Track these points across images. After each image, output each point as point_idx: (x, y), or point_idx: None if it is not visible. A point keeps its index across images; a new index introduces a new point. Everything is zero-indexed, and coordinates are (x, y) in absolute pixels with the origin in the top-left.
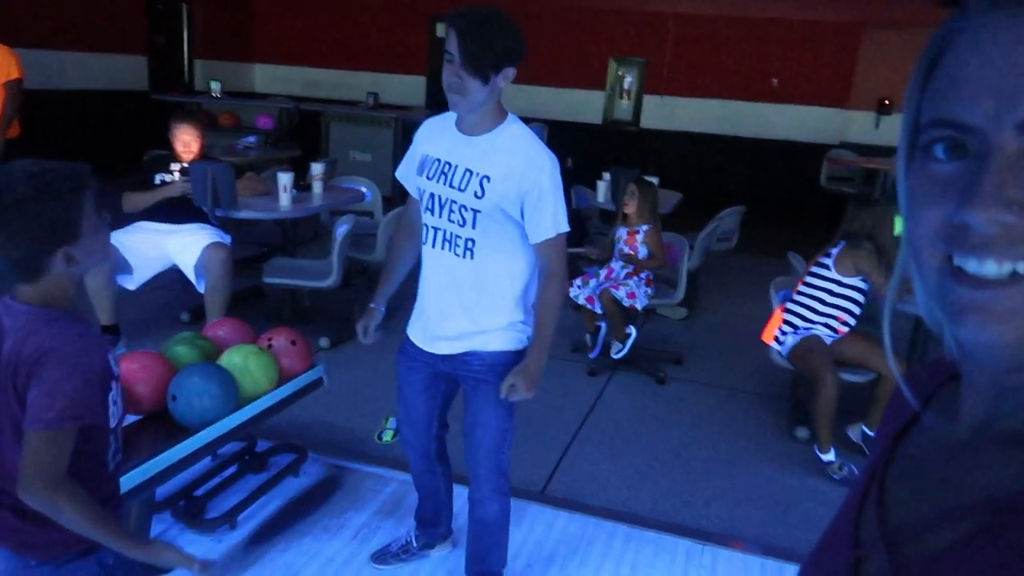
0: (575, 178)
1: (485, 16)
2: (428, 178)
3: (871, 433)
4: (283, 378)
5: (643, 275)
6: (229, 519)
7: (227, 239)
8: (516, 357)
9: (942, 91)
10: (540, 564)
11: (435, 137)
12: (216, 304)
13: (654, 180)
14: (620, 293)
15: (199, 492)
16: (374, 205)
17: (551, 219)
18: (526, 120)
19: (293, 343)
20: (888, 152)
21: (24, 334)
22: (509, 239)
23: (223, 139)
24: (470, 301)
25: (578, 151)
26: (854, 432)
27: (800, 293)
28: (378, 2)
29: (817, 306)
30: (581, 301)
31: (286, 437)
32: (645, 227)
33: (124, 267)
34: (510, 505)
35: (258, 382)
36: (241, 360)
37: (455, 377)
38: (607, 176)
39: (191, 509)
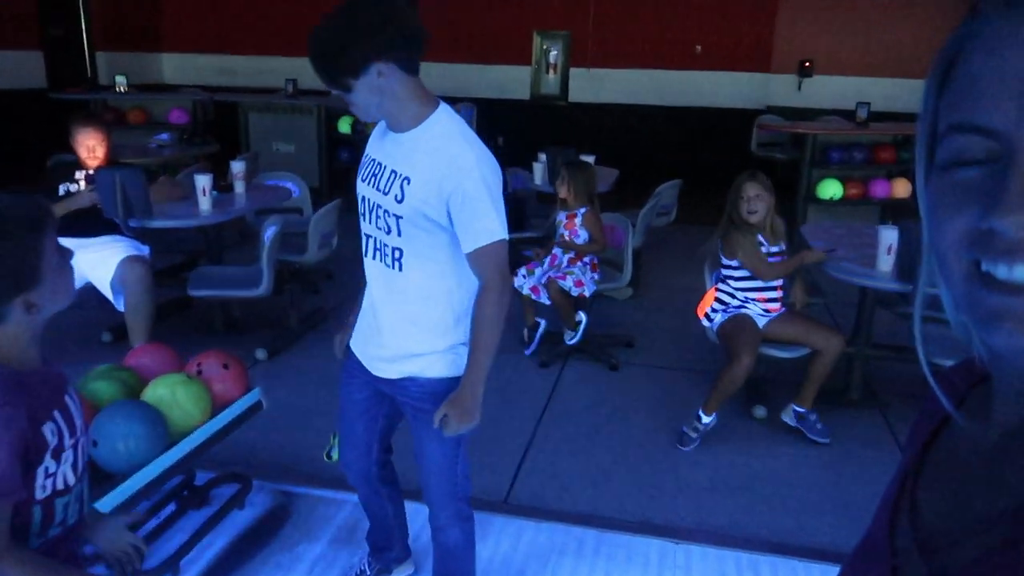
0: (509, 159)
1: (327, 26)
2: (362, 180)
3: (802, 410)
4: (217, 405)
5: (587, 259)
6: (171, 566)
7: (144, 251)
8: (458, 384)
9: (960, 96)
10: None
11: (378, 136)
12: (138, 323)
13: (590, 159)
14: (567, 283)
15: None
16: (302, 201)
17: (482, 225)
18: (453, 101)
19: (225, 366)
20: (811, 115)
21: None
22: (440, 249)
23: (134, 138)
24: (405, 318)
25: (509, 129)
26: (787, 416)
27: (724, 274)
28: None
29: (732, 288)
30: (526, 291)
31: (227, 465)
32: (582, 210)
33: None
34: (474, 528)
35: (189, 414)
36: (168, 392)
37: (393, 399)
38: (543, 157)
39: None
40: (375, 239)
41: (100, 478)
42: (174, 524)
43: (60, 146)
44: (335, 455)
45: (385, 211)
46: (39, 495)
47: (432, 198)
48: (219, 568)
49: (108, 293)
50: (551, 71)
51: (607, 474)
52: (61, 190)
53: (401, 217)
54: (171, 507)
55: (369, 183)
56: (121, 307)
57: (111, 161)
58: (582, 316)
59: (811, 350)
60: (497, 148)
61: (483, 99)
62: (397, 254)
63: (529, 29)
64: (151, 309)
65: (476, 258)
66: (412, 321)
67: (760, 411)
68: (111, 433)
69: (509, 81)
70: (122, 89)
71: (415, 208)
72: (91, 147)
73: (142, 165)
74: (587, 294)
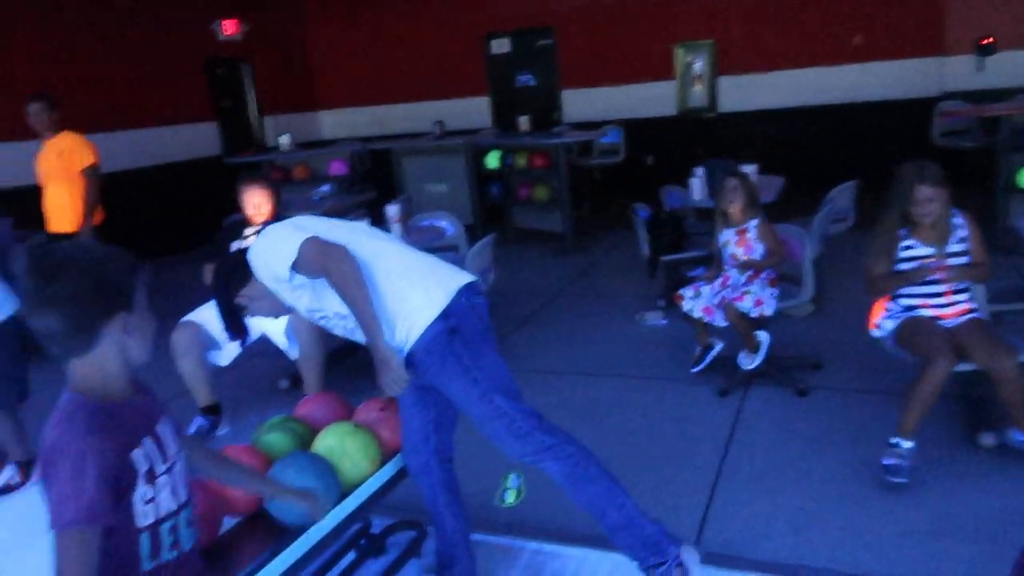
0: (660, 177)
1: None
2: None
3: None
4: (386, 452)
5: (764, 275)
6: None
7: None
8: (434, 333)
9: None
10: None
11: None
12: (311, 370)
13: (751, 169)
14: (746, 304)
15: None
16: (457, 238)
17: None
18: (599, 125)
19: (382, 410)
20: (999, 96)
21: (50, 423)
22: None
23: (299, 192)
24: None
25: (657, 147)
26: (991, 437)
27: None
28: (430, 30)
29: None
30: (697, 314)
31: (400, 509)
32: (754, 222)
33: (212, 343)
34: (570, 451)
35: (358, 465)
36: (337, 442)
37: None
38: (699, 171)
39: None
40: None
41: (277, 532)
42: (353, 574)
43: (236, 208)
44: (508, 499)
45: None
46: (142, 523)
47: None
48: None
49: (282, 343)
50: (697, 83)
51: (809, 516)
52: (232, 247)
53: None
54: (351, 556)
55: None
56: (295, 355)
57: (277, 216)
58: (763, 336)
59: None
60: (647, 167)
61: (629, 120)
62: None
63: (670, 43)
64: (322, 356)
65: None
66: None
67: (988, 439)
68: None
69: (654, 98)
70: (286, 148)
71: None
72: (257, 204)
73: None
74: (768, 313)
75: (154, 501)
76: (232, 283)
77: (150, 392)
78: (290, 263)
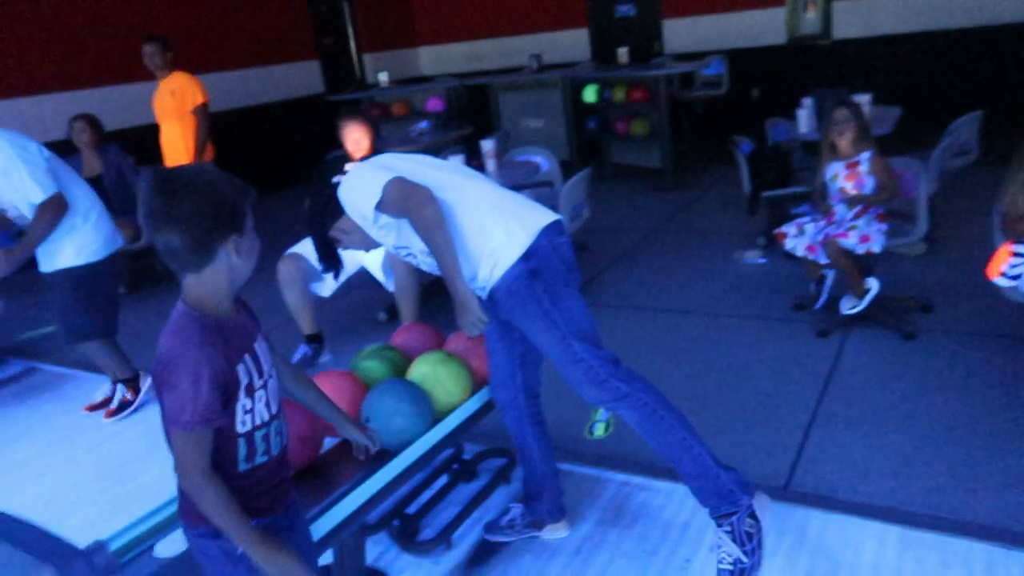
0: (766, 110)
1: None
2: None
3: None
4: (478, 381)
5: (872, 211)
6: (444, 539)
7: None
8: (521, 269)
9: None
10: None
11: None
12: (406, 302)
13: (864, 98)
14: (850, 240)
15: (411, 510)
16: (552, 174)
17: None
18: (701, 55)
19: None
20: None
21: (165, 332)
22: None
23: (398, 128)
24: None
25: (764, 78)
26: None
27: None
28: None
29: None
30: (800, 252)
31: (492, 438)
32: (867, 155)
33: (315, 275)
34: (645, 400)
35: (450, 392)
36: (430, 371)
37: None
38: (807, 102)
39: (405, 529)
40: None
41: (376, 453)
42: (446, 496)
43: (338, 145)
44: (597, 431)
45: None
46: (240, 429)
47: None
48: (488, 543)
49: (380, 276)
50: (810, 8)
51: (909, 461)
52: (334, 182)
53: None
54: (443, 479)
55: None
56: (391, 288)
57: (376, 151)
58: (872, 284)
59: None
60: (752, 100)
61: (734, 50)
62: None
63: None
64: (418, 289)
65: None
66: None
67: None
68: (380, 411)
69: (761, 26)
70: (385, 84)
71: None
72: (356, 140)
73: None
74: (876, 250)
75: (251, 412)
76: (326, 217)
77: (250, 311)
78: (375, 203)
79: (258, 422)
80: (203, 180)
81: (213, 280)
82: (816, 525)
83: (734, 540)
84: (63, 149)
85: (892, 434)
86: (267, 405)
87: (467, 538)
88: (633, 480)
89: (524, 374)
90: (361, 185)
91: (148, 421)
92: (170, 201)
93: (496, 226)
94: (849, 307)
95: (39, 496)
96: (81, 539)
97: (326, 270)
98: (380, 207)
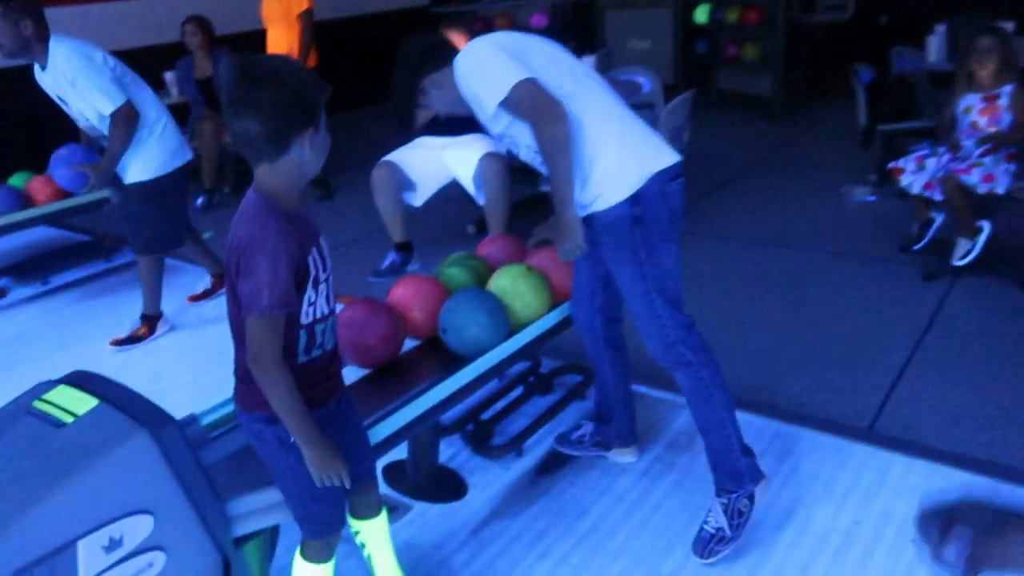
0: (893, 38)
1: None
2: None
3: None
4: (558, 297)
5: (1003, 150)
6: (516, 446)
7: (502, 148)
8: (626, 211)
9: None
10: (872, 521)
11: None
12: (496, 216)
13: (1008, 25)
14: (972, 177)
15: (486, 416)
16: (654, 95)
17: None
18: None
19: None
20: None
21: (240, 218)
22: (501, 120)
23: None
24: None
25: (893, 4)
26: None
27: None
28: None
29: None
30: (916, 189)
31: (570, 355)
32: (1008, 88)
33: (408, 185)
34: (703, 374)
35: (529, 305)
36: (510, 283)
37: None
38: (940, 28)
39: (478, 434)
40: None
41: (449, 359)
42: (520, 407)
43: None
44: None
45: None
46: (304, 320)
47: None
48: (559, 455)
49: (470, 188)
50: None
51: (1010, 415)
52: (440, 35)
53: None
54: (519, 390)
55: None
56: (481, 201)
57: None
58: (985, 225)
59: None
60: (878, 27)
61: None
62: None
63: None
64: (507, 204)
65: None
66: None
67: None
68: (457, 319)
69: None
70: None
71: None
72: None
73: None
74: (999, 191)
75: (314, 304)
76: (424, 64)
77: (308, 210)
78: (498, 100)
79: (318, 315)
80: (285, 70)
81: (286, 171)
82: (898, 469)
83: (725, 512)
84: (176, 51)
85: (993, 386)
86: (327, 299)
87: (538, 448)
88: None
89: (604, 297)
90: (488, 69)
91: None
92: (251, 88)
93: (611, 157)
94: (961, 255)
95: (146, 373)
96: (177, 413)
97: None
98: (504, 104)
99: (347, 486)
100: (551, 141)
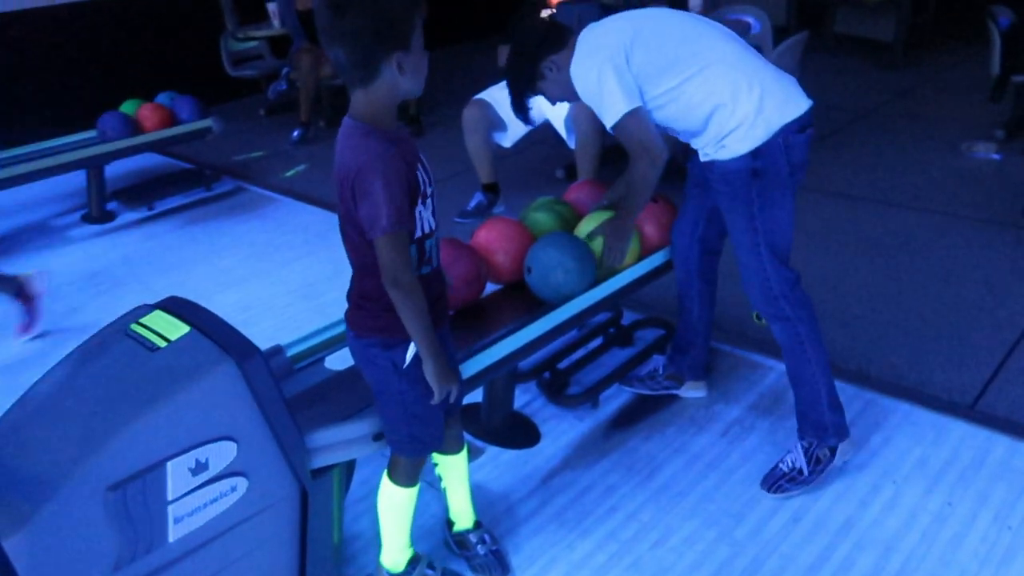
0: None
1: None
2: None
3: None
4: (648, 247)
5: None
6: (592, 397)
7: None
8: (749, 164)
9: None
10: (967, 504)
11: None
12: (586, 160)
13: None
14: None
15: (563, 365)
16: (762, 36)
17: (608, 104)
18: None
19: (655, 201)
20: None
21: (344, 147)
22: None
23: None
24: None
25: None
26: None
27: None
28: None
29: None
30: None
31: (653, 308)
32: None
33: (499, 125)
34: (800, 330)
35: None
36: (598, 228)
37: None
38: None
39: (555, 382)
40: None
41: (532, 303)
42: (598, 358)
43: None
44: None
45: None
46: (416, 234)
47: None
48: (635, 409)
49: (562, 130)
50: None
51: None
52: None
53: None
54: (598, 341)
55: None
56: (572, 144)
57: None
58: None
59: None
60: None
61: None
62: None
63: None
64: (598, 149)
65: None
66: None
67: None
68: (543, 262)
69: None
70: None
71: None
72: None
73: (603, 2)
74: None
75: (423, 219)
76: (542, 48)
77: (405, 130)
78: (610, 125)
79: (427, 230)
80: None
81: (379, 96)
82: (1001, 451)
83: (805, 455)
84: None
85: None
86: (433, 214)
87: (614, 401)
88: None
89: (707, 228)
90: (600, 94)
91: (337, 248)
92: (335, 15)
93: (738, 115)
94: None
95: (236, 302)
96: (263, 343)
97: (517, 110)
98: (613, 129)
99: (453, 399)
100: (643, 180)
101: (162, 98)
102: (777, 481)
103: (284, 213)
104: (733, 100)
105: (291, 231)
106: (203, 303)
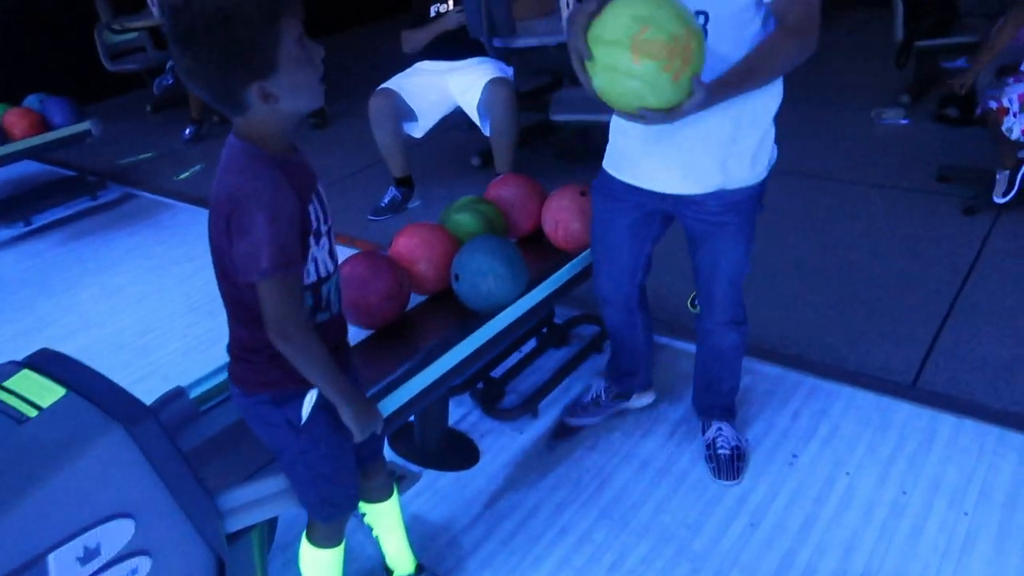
0: None
1: None
2: None
3: None
4: (579, 244)
5: None
6: (531, 408)
7: (509, 72)
8: (763, 186)
9: None
10: (921, 490)
11: None
12: (502, 148)
13: None
14: None
15: (497, 373)
16: None
17: None
18: None
19: (583, 194)
20: None
21: (224, 169)
22: (745, 8)
23: None
24: (707, 121)
25: None
26: None
27: None
28: None
29: None
30: (1016, 135)
31: (586, 302)
32: None
33: (408, 115)
34: (747, 332)
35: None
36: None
37: (674, 216)
38: None
39: (489, 393)
40: None
41: (462, 314)
42: (534, 362)
43: None
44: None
45: None
46: (308, 279)
47: None
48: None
49: (475, 117)
50: None
51: None
52: (432, 11)
53: None
54: (532, 343)
55: None
56: (487, 131)
57: None
58: None
59: None
60: None
61: None
62: (700, 20)
63: None
64: (514, 134)
65: (793, 3)
66: (719, 123)
67: None
68: (472, 268)
69: None
70: None
71: None
72: None
73: None
74: None
75: (317, 261)
76: None
77: (303, 154)
78: None
79: (323, 273)
80: (214, 18)
81: (260, 121)
82: (947, 430)
83: (735, 428)
84: None
85: None
86: (330, 254)
87: (555, 407)
88: None
89: (645, 273)
90: None
91: None
92: (179, 50)
93: (755, 133)
94: (999, 193)
95: (133, 326)
96: (171, 371)
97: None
98: None
99: (377, 447)
100: (786, 55)
101: (31, 101)
102: (732, 466)
103: (181, 220)
104: (757, 117)
105: (190, 240)
106: (95, 330)
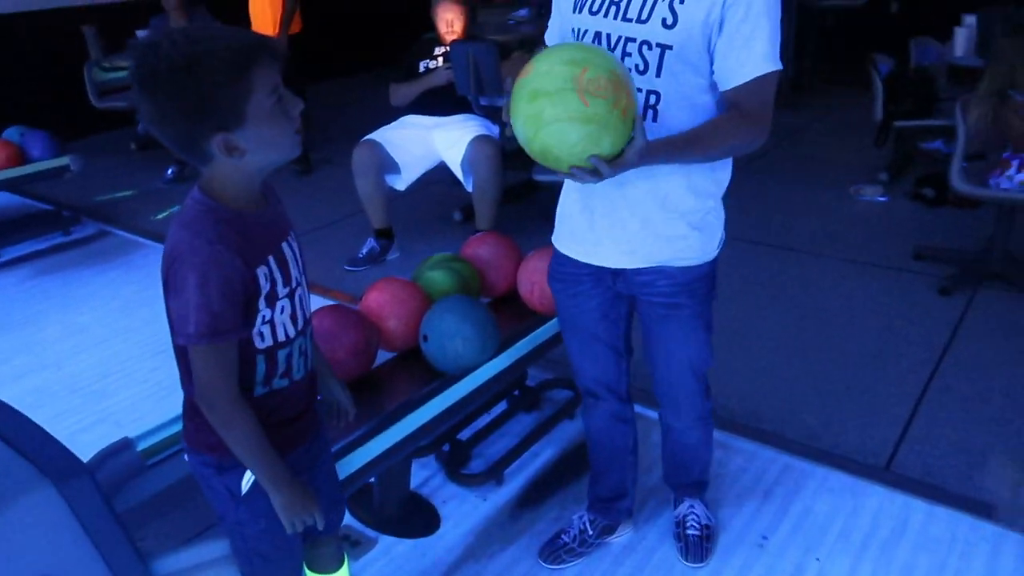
0: (909, 28)
1: None
2: (591, 13)
3: None
4: (553, 307)
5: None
6: (496, 474)
7: (494, 131)
8: (714, 268)
9: None
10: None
11: None
12: (484, 205)
13: None
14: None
15: (464, 435)
16: None
17: (760, 49)
18: None
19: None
20: None
21: (175, 221)
22: (700, 90)
23: (496, 16)
24: (658, 189)
25: None
26: None
27: None
28: None
29: None
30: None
31: (560, 365)
32: None
33: (391, 167)
34: (713, 425)
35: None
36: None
37: (631, 297)
38: (969, 20)
39: (455, 457)
40: None
41: (429, 375)
42: (503, 425)
43: (431, 26)
44: None
45: (642, 44)
46: (260, 344)
47: (711, 15)
48: (543, 484)
49: (458, 173)
50: None
51: None
52: (421, 67)
53: (670, 48)
54: (502, 406)
55: (606, 14)
56: (469, 188)
57: (468, 36)
58: None
59: None
60: (890, 15)
61: None
62: (652, 99)
63: None
64: (497, 192)
65: (750, 91)
66: (665, 190)
67: None
68: (440, 330)
69: None
70: None
71: (690, 32)
72: (449, 21)
73: (499, 42)
74: None
75: (272, 324)
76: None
77: (281, 204)
78: (756, 70)
79: (280, 338)
80: (178, 65)
81: (224, 174)
82: (919, 517)
83: (707, 507)
84: (152, 8)
85: (1020, 422)
86: (292, 318)
87: (520, 475)
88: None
89: (628, 356)
90: (774, 19)
91: None
92: (144, 95)
93: (719, 204)
94: None
95: (92, 367)
96: (125, 418)
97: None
98: (754, 81)
99: (319, 527)
100: (736, 138)
101: (10, 133)
102: (702, 547)
103: (154, 260)
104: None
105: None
106: (50, 371)
